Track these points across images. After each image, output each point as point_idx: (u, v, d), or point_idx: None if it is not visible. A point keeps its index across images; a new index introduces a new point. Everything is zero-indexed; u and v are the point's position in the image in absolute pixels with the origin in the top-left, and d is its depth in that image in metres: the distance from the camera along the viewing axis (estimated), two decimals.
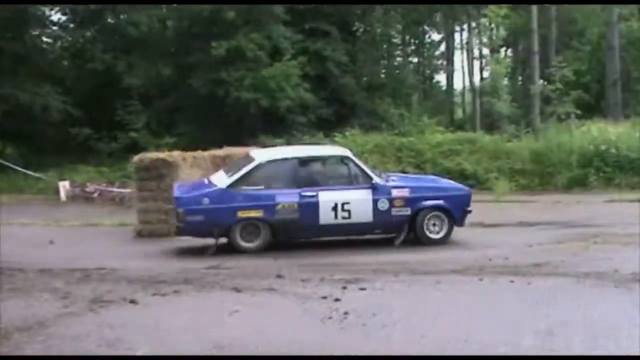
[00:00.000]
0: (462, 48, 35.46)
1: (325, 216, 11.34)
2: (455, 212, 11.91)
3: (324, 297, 8.04)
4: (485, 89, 27.85)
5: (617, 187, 18.33)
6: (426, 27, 36.73)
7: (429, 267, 9.67)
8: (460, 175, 20.32)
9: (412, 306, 7.82)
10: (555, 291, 8.18)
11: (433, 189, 12.28)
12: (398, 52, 33.90)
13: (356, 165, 11.80)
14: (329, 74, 24.41)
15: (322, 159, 12.03)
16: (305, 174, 11.56)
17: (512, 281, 8.70)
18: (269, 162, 11.59)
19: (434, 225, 11.87)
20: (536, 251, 10.84)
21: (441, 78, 39.65)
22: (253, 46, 22.40)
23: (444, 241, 11.81)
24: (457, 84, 38.91)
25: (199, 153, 13.72)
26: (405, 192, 11.75)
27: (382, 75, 29.48)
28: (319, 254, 11.09)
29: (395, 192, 11.67)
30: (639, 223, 13.10)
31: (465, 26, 33.82)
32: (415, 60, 36.97)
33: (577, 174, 19.80)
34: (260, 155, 11.97)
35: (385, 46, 31.37)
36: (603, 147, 19.60)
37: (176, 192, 11.53)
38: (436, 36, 38.47)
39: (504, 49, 36.83)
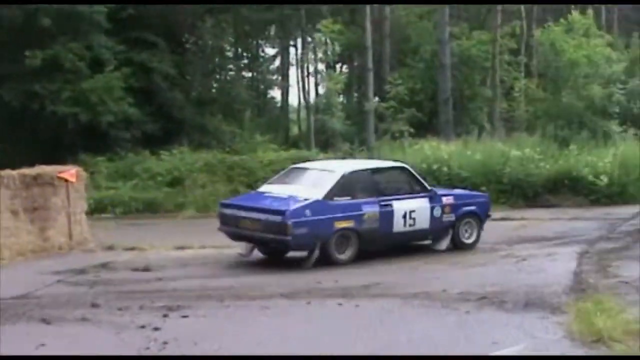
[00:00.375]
0: (297, 63, 36.02)
1: (398, 224, 12.29)
2: (482, 217, 13.37)
3: (142, 327, 7.91)
4: (320, 106, 28.37)
5: None
6: (260, 41, 37.06)
7: (256, 291, 9.72)
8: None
9: (237, 333, 7.83)
10: (382, 313, 8.45)
11: (467, 196, 13.86)
12: (230, 66, 33.86)
13: (413, 175, 12.99)
14: (156, 87, 23.98)
15: (387, 170, 13.25)
16: (378, 185, 12.57)
17: (340, 304, 8.91)
18: (352, 173, 12.39)
19: (465, 230, 13.12)
20: (366, 272, 11.13)
21: (276, 94, 40.13)
22: (72, 56, 21.66)
23: (475, 245, 13.15)
24: (293, 100, 39.51)
25: (7, 172, 13.06)
26: (451, 199, 13.05)
27: (213, 90, 29.29)
28: (141, 279, 10.88)
29: (444, 200, 12.92)
30: None
31: (299, 41, 34.38)
32: (249, 74, 37.17)
33: None
34: (338, 167, 12.91)
35: (217, 59, 31.28)
36: (435, 166, 20.41)
37: (273, 205, 11.73)
38: (271, 50, 38.94)
39: (339, 65, 37.78)
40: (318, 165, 13.61)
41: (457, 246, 12.92)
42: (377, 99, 27.31)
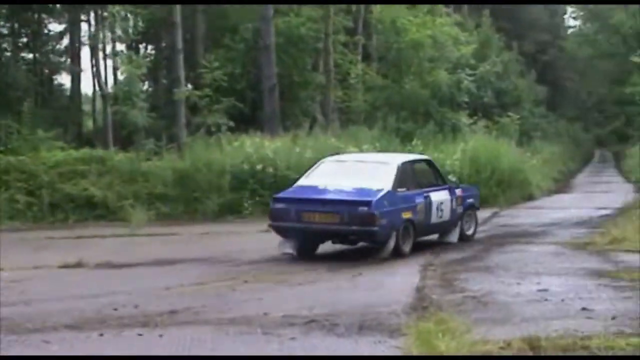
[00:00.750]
0: (90, 43, 35.26)
1: (434, 215, 14.71)
2: (476, 209, 16.41)
3: None
4: (119, 95, 27.92)
5: None
6: (43, 15, 36.01)
7: (35, 323, 9.46)
8: (87, 203, 20.27)
9: None
10: (191, 343, 8.43)
11: (467, 188, 16.55)
12: (5, 45, 32.82)
13: (436, 168, 15.77)
14: None
15: (420, 162, 15.73)
16: (416, 177, 14.93)
17: (140, 334, 8.82)
18: (404, 164, 14.58)
19: (466, 222, 15.89)
20: (174, 295, 11.09)
21: (65, 80, 39.19)
22: None
23: (474, 237, 16.05)
24: (87, 88, 38.73)
25: None
26: (460, 192, 15.71)
27: None
28: None
29: (457, 192, 15.55)
30: None
31: (92, 15, 33.67)
32: (30, 55, 36.09)
33: (229, 199, 20.65)
34: (388, 159, 15.40)
35: None
36: (259, 167, 20.63)
37: (356, 196, 13.50)
38: (57, 26, 37.90)
39: (142, 45, 37.34)
40: (362, 157, 16.54)
41: (462, 238, 15.55)
42: (189, 86, 27.23)
